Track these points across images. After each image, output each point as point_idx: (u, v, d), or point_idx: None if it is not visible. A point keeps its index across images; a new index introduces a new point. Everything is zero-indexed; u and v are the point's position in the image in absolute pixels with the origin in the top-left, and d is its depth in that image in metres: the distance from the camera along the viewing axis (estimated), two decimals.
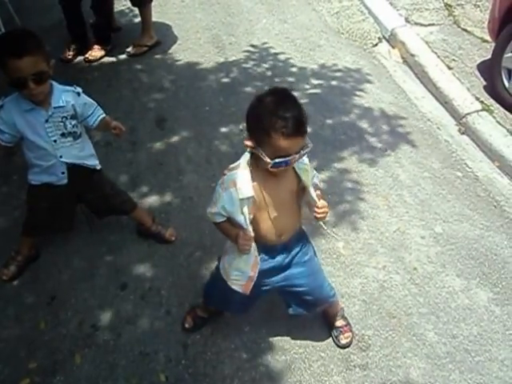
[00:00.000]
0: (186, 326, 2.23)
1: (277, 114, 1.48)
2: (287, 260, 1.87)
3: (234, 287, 1.85)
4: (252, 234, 1.70)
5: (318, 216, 1.72)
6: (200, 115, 3.47)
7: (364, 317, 2.30)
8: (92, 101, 2.20)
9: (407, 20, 4.29)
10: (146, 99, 3.62)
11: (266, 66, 3.96)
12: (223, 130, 3.35)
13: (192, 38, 4.23)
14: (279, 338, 2.21)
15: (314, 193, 1.72)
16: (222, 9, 4.62)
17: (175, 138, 3.28)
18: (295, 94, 1.60)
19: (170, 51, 4.10)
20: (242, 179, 1.62)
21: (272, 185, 1.68)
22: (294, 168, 1.70)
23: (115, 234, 2.65)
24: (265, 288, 1.96)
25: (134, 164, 3.08)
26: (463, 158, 3.18)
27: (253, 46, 4.18)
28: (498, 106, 3.43)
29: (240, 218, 1.68)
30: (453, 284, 2.43)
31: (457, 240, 2.64)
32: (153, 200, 2.84)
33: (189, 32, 4.31)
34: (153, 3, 3.98)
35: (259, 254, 1.78)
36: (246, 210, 1.65)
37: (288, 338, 2.21)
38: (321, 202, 1.71)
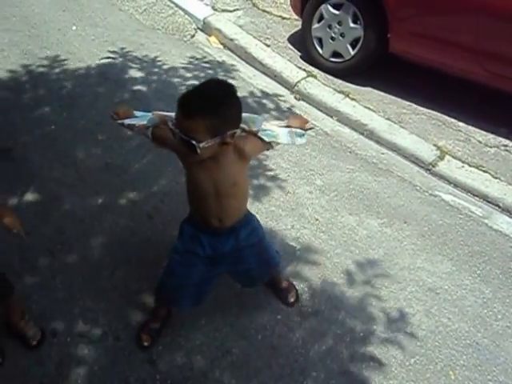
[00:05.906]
0: (145, 344, 2.13)
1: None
2: (236, 245, 1.92)
3: None
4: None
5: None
6: (49, 136, 3.18)
7: (294, 272, 2.53)
8: None
9: (214, 8, 4.58)
10: None
11: (97, 72, 3.79)
12: (81, 144, 3.14)
13: None
14: (235, 319, 2.29)
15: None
16: (21, 22, 4.20)
17: (33, 166, 2.96)
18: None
19: None
20: None
21: (208, 171, 1.70)
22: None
23: None
24: (217, 272, 2.03)
25: None
26: (309, 120, 3.62)
27: (71, 53, 3.94)
28: (318, 71, 3.98)
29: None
30: (349, 222, 2.84)
31: (336, 186, 3.06)
32: (40, 237, 2.56)
33: None
34: None
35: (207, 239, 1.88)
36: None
37: (242, 314, 2.31)
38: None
